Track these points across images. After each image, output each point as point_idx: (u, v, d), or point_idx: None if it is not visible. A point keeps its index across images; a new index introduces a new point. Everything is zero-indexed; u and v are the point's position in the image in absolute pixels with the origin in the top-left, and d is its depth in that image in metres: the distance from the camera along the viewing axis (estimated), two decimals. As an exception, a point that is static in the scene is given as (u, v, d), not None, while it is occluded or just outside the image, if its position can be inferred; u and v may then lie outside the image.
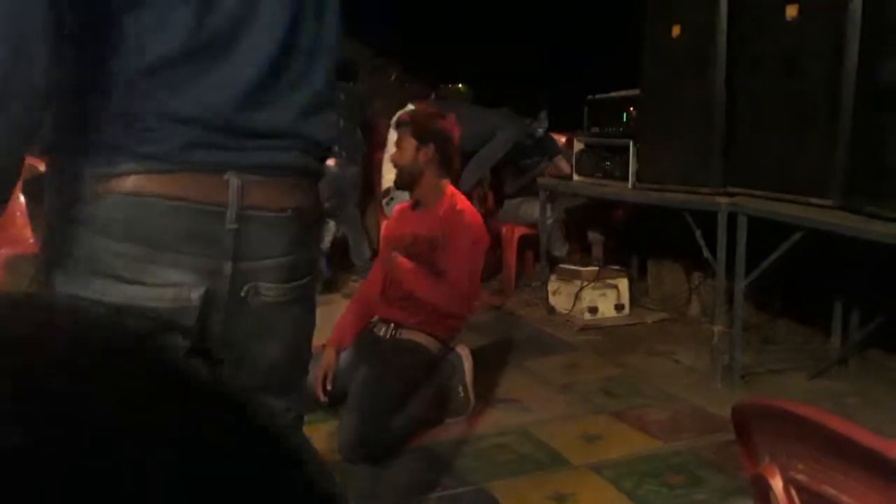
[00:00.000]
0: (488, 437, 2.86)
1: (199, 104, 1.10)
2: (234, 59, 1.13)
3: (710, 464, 2.59)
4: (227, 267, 1.15)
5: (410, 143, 2.94)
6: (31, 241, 4.71)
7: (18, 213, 4.70)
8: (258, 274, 1.18)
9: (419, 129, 2.97)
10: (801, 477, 0.98)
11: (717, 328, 3.51)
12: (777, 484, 1.01)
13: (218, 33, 1.11)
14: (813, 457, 0.95)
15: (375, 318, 3.01)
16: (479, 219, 3.06)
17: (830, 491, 0.93)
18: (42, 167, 1.21)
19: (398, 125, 3.09)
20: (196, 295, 1.12)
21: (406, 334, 2.90)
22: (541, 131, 5.02)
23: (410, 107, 5.30)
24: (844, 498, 0.89)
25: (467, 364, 3.06)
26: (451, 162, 3.07)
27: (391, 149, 3.41)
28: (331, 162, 4.42)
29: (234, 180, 1.13)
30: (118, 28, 1.05)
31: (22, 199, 4.69)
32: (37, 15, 0.93)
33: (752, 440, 1.00)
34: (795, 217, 3.09)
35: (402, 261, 2.87)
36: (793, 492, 1.00)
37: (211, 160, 1.12)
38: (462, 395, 3.05)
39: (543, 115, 5.08)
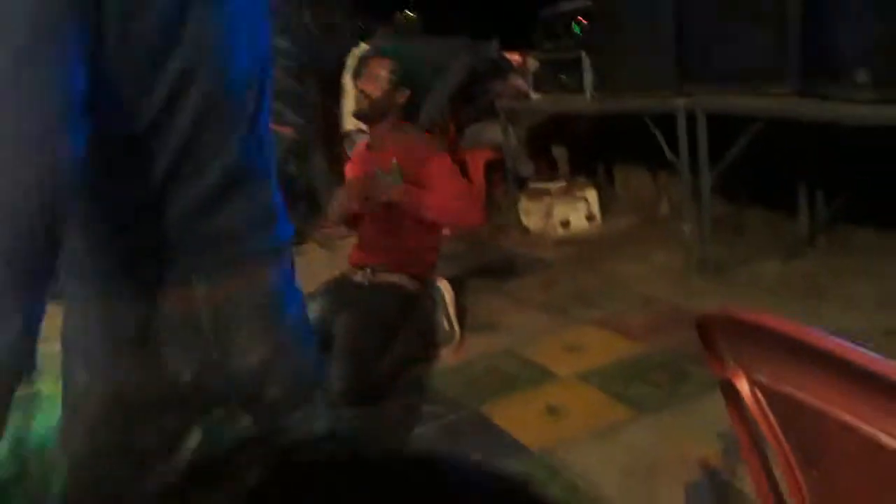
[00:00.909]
0: (476, 362, 2.92)
1: None
2: None
3: (694, 358, 2.66)
4: None
5: (388, 80, 2.87)
6: None
7: None
8: None
9: (397, 70, 2.90)
10: (764, 379, 1.02)
11: (686, 225, 3.57)
12: (743, 387, 1.05)
13: None
14: (774, 360, 0.98)
15: (350, 266, 3.02)
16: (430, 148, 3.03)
17: (792, 391, 0.98)
18: None
19: (368, 56, 2.99)
20: None
21: (383, 277, 2.92)
22: (493, 53, 4.98)
23: (364, 45, 5.23)
24: (805, 396, 0.94)
25: (448, 296, 3.10)
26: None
27: (349, 93, 3.31)
28: (285, 129, 4.36)
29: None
30: None
31: None
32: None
33: (717, 347, 1.05)
34: (752, 108, 3.12)
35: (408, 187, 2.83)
36: (758, 393, 1.05)
37: None
38: (447, 327, 3.10)
39: (495, 41, 5.04)
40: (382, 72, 2.86)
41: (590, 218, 4.43)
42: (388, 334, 2.82)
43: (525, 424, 2.40)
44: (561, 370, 2.74)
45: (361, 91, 2.92)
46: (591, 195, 4.45)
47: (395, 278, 2.92)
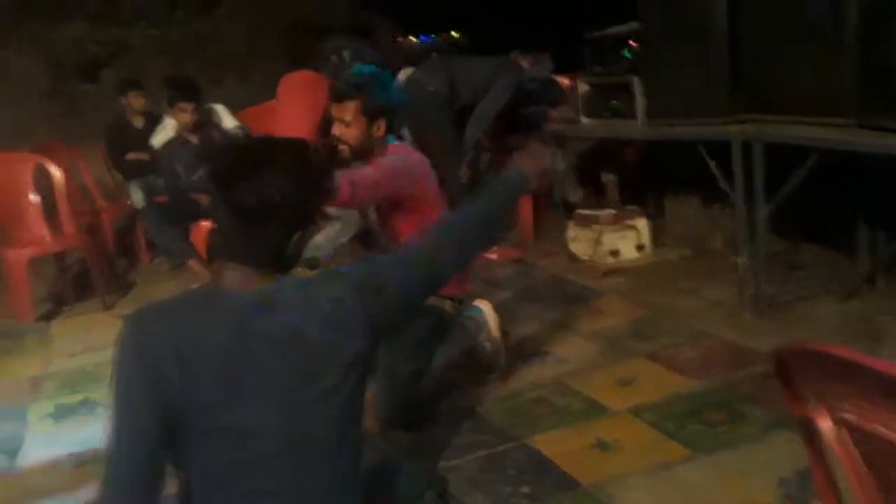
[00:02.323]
0: (524, 391, 2.88)
1: None
2: None
3: (749, 398, 2.60)
4: None
5: (360, 121, 2.70)
6: (50, 240, 4.74)
7: (34, 215, 4.70)
8: None
9: (368, 106, 2.71)
10: (849, 416, 0.97)
11: (740, 259, 3.49)
12: (826, 425, 1.00)
13: None
14: (859, 396, 0.94)
15: None
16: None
17: (881, 429, 0.93)
18: None
19: (338, 98, 2.75)
20: None
21: None
22: (546, 73, 4.91)
23: (409, 70, 5.25)
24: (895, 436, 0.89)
25: (490, 318, 3.05)
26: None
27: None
28: None
29: None
30: None
31: (35, 199, 4.70)
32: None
33: (795, 383, 1.00)
34: (810, 139, 3.05)
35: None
36: (844, 431, 1.00)
37: None
38: (490, 349, 3.06)
39: (546, 57, 4.98)
40: (347, 115, 2.70)
41: (640, 248, 4.36)
42: (425, 357, 2.79)
43: (575, 458, 2.35)
44: (612, 404, 2.69)
45: (336, 136, 2.75)
46: (642, 224, 4.39)
47: (429, 301, 2.87)
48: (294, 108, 5.01)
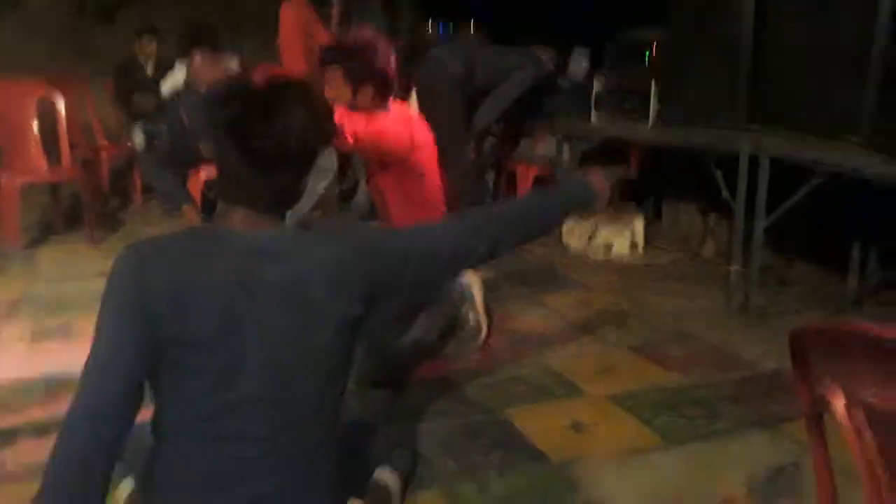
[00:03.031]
0: (504, 368, 2.87)
1: None
2: None
3: (727, 398, 2.60)
4: None
5: (346, 90, 2.68)
6: (46, 170, 4.70)
7: (33, 143, 4.67)
8: None
9: (352, 72, 2.68)
10: (871, 398, 0.93)
11: (733, 267, 3.50)
12: (839, 404, 0.96)
13: None
14: (883, 374, 0.91)
15: None
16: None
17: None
18: None
19: (324, 62, 2.74)
20: None
21: None
22: (581, 74, 4.81)
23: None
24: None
25: (476, 292, 3.05)
26: (391, 88, 2.80)
27: None
28: None
29: None
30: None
31: (36, 128, 4.66)
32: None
33: (811, 363, 0.98)
34: (817, 161, 3.05)
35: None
36: (860, 413, 0.96)
37: None
38: (473, 322, 3.06)
39: (581, 52, 4.89)
40: (331, 82, 2.69)
41: (633, 246, 4.37)
42: (406, 316, 2.79)
43: (548, 435, 2.35)
44: (590, 388, 2.68)
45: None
46: (638, 224, 4.39)
47: None
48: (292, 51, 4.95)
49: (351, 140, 2.58)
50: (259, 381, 1.44)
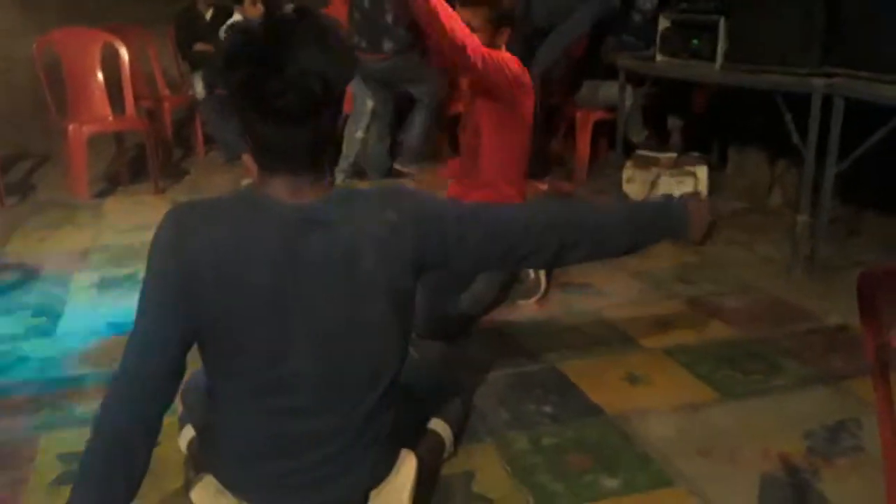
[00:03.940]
0: (561, 318, 2.85)
1: None
2: None
3: (788, 352, 2.54)
4: None
5: (487, 29, 2.71)
6: (111, 119, 4.80)
7: (98, 93, 4.76)
8: None
9: (498, 15, 2.73)
10: None
11: (801, 217, 3.37)
12: None
13: None
14: None
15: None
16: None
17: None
18: None
19: (466, 1, 2.76)
20: None
21: None
22: (652, 7, 4.62)
23: None
24: None
25: None
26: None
27: None
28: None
29: None
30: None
31: (101, 77, 4.74)
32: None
33: (880, 309, 0.94)
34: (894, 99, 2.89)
35: None
36: None
37: None
38: (532, 276, 3.04)
39: None
40: (475, 21, 2.69)
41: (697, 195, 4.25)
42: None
43: (603, 388, 2.34)
44: (647, 342, 2.65)
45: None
46: (702, 172, 4.25)
47: None
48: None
49: (480, 58, 2.57)
50: (307, 356, 1.41)
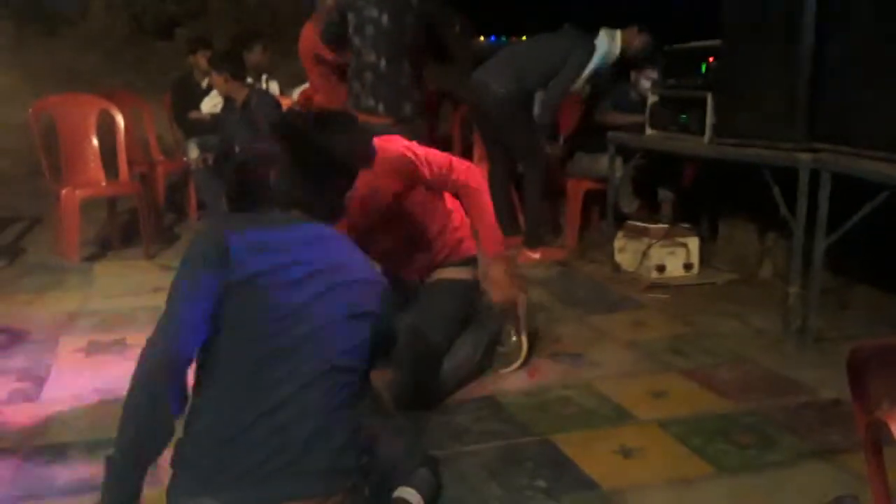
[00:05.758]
0: (552, 389, 2.82)
1: None
2: None
3: (783, 426, 2.51)
4: None
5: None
6: (104, 183, 4.82)
7: (92, 158, 4.80)
8: None
9: None
10: None
11: (791, 289, 3.38)
12: None
13: None
14: None
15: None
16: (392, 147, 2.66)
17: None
18: None
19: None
20: None
21: (434, 275, 2.86)
22: (648, 84, 4.67)
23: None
24: None
25: (521, 309, 2.99)
26: None
27: None
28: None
29: None
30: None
31: (96, 143, 4.78)
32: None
33: (869, 385, 0.93)
34: (883, 175, 2.94)
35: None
36: None
37: None
38: (514, 339, 3.01)
39: (652, 68, 4.75)
40: None
41: (687, 267, 4.27)
42: (450, 335, 2.77)
43: (596, 461, 2.29)
44: (641, 413, 2.62)
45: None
46: (693, 243, 4.29)
47: (447, 274, 2.85)
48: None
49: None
50: (311, 320, 1.62)
